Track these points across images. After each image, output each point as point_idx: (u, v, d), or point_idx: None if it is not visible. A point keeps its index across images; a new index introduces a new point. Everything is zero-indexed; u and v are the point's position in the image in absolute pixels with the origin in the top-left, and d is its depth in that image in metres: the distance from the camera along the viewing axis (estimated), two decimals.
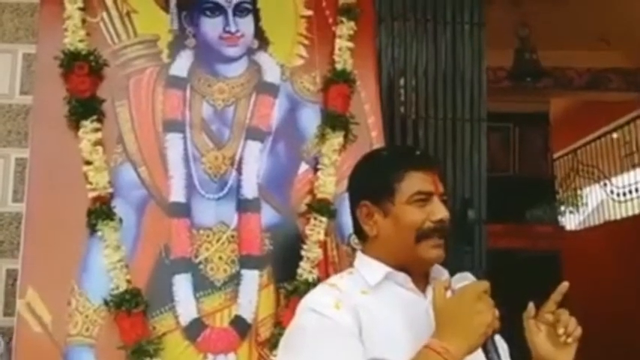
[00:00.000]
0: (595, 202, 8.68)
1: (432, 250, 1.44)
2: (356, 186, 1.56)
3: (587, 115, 7.48)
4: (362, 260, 1.51)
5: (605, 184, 8.01)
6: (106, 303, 2.21)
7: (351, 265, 1.55)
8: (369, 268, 1.47)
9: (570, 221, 9.02)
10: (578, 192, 8.86)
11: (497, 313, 1.32)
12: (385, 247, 1.47)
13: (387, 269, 1.45)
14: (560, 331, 1.43)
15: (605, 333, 5.80)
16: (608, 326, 5.97)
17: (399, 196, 1.45)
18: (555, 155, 7.82)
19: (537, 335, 1.47)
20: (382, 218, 1.47)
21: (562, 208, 8.63)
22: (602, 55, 6.14)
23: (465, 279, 1.38)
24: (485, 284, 1.34)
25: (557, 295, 1.47)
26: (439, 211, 1.45)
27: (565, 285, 1.47)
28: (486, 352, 1.31)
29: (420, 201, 1.44)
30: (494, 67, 5.52)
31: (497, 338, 1.38)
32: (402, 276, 1.45)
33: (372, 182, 1.50)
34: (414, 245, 1.43)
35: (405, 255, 1.45)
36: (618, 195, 7.70)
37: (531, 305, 1.49)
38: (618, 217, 7.63)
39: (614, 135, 7.69)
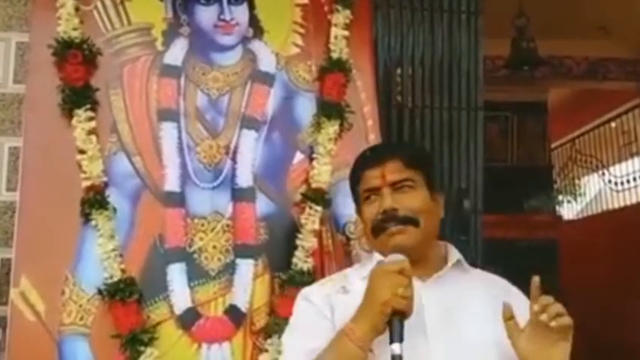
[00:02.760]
0: (593, 192, 8.69)
1: (389, 239, 1.50)
2: None
3: (586, 105, 7.46)
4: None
5: (603, 174, 8.00)
6: (100, 292, 2.21)
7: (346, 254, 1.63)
8: (373, 256, 1.57)
9: (568, 211, 9.03)
10: (576, 181, 8.87)
11: (406, 292, 1.33)
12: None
13: (380, 258, 1.49)
14: (544, 317, 1.34)
15: (602, 321, 5.82)
16: (604, 314, 5.99)
17: (361, 198, 1.57)
18: (553, 144, 7.81)
19: (519, 338, 1.38)
20: (360, 219, 1.60)
21: (560, 197, 8.63)
22: (601, 44, 6.12)
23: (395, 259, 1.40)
24: (398, 263, 1.37)
25: (535, 291, 1.37)
26: (380, 204, 1.51)
27: (535, 280, 1.37)
28: (390, 331, 1.33)
29: (370, 197, 1.54)
30: (492, 55, 5.49)
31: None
32: None
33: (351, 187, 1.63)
34: (374, 240, 1.53)
35: (376, 249, 1.55)
36: (616, 184, 7.70)
37: (508, 305, 1.40)
38: (616, 206, 7.64)
39: (613, 124, 7.67)
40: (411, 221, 1.49)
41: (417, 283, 1.45)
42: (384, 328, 1.33)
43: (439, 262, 1.55)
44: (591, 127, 8.06)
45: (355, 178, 1.58)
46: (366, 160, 1.58)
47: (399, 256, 1.40)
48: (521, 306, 1.41)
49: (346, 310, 1.41)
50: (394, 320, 1.33)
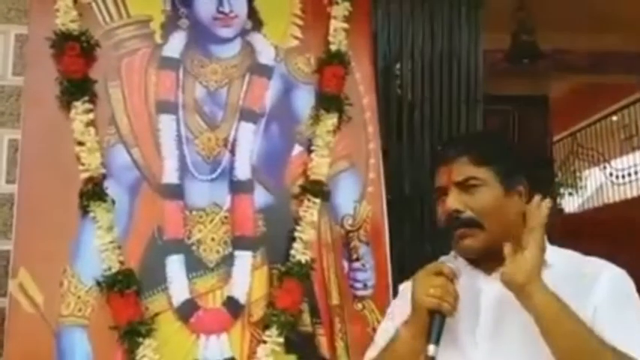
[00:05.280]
0: (594, 185, 8.69)
1: (456, 245, 1.48)
2: None
3: (587, 98, 7.44)
4: None
5: (604, 167, 8.00)
6: (98, 284, 2.20)
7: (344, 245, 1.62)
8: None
9: (569, 204, 9.03)
10: (578, 175, 8.87)
11: (437, 292, 1.36)
12: None
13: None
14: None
15: None
16: None
17: (435, 195, 1.54)
18: (555, 138, 7.80)
19: None
20: None
21: (561, 190, 8.63)
22: (603, 37, 6.10)
23: (448, 260, 1.47)
24: (435, 266, 1.43)
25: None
26: (444, 204, 1.48)
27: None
28: (428, 331, 1.36)
29: (440, 197, 1.51)
30: (492, 49, 5.47)
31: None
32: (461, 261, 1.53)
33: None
34: (451, 240, 1.50)
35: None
36: (617, 178, 7.70)
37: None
38: (617, 199, 7.63)
39: (614, 118, 7.67)
40: (474, 224, 1.45)
41: (480, 277, 1.49)
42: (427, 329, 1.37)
43: None
44: (592, 120, 8.05)
45: (431, 175, 1.55)
46: (437, 157, 1.56)
47: (449, 258, 1.48)
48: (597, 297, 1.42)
49: None
50: (434, 320, 1.36)
